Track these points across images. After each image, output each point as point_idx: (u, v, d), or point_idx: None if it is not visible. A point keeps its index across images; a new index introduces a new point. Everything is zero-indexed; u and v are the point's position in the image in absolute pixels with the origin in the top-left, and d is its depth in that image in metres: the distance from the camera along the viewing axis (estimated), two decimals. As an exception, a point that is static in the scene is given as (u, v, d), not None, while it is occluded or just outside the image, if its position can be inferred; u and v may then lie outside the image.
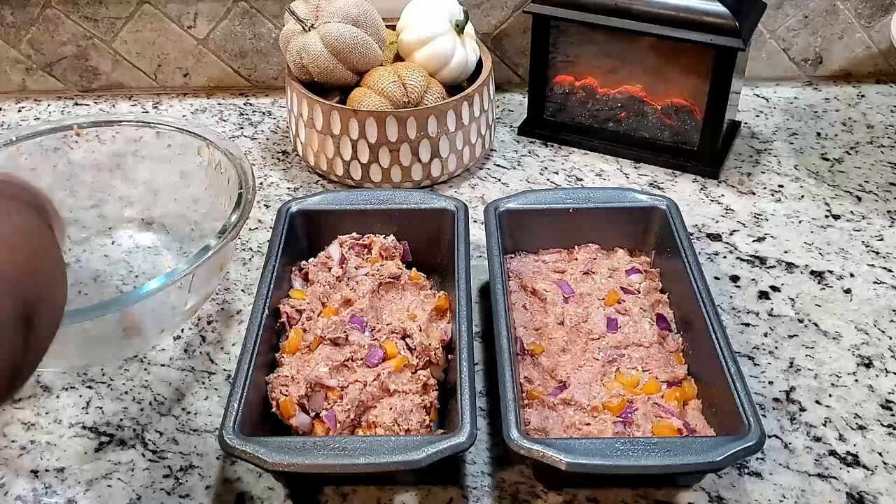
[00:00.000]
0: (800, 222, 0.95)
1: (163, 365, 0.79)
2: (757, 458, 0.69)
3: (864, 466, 0.69)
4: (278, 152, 1.07)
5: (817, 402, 0.75)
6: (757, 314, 0.83)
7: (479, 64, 1.03)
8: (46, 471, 0.70)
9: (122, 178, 0.91)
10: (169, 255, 0.90)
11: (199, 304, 0.78)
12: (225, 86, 1.20)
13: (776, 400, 0.75)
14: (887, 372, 0.77)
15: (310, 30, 0.96)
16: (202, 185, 0.88)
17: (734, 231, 0.93)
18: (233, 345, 0.81)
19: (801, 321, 0.82)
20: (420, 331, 0.73)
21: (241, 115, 1.15)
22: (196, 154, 0.87)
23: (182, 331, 0.82)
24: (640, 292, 0.80)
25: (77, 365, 0.78)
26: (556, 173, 1.03)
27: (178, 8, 1.13)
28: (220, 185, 0.84)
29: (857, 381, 0.76)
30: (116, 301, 0.68)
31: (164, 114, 1.15)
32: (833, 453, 0.70)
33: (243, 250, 0.92)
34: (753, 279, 0.87)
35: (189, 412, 0.74)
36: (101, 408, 0.75)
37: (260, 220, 0.96)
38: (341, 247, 0.82)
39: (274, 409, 0.68)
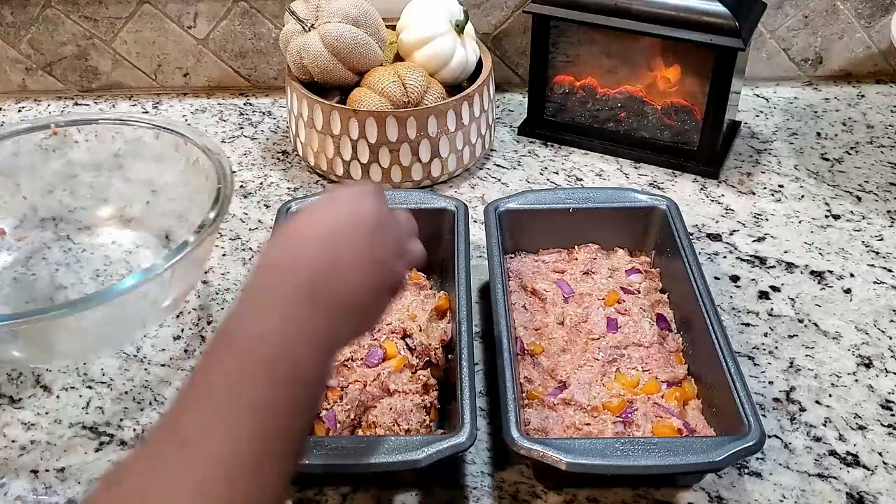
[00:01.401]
0: (800, 222, 0.95)
1: (163, 365, 0.79)
2: (757, 458, 0.69)
3: (864, 466, 0.69)
4: (278, 152, 1.07)
5: (817, 402, 0.75)
6: (757, 314, 0.83)
7: (479, 64, 1.03)
8: (46, 471, 0.70)
9: (99, 176, 0.92)
10: (149, 252, 0.90)
11: (181, 299, 0.79)
12: (225, 86, 1.20)
13: (776, 400, 0.75)
14: (887, 372, 0.77)
15: (310, 30, 0.96)
16: (180, 181, 0.88)
17: (734, 231, 0.93)
18: (233, 345, 0.80)
19: (801, 321, 0.82)
20: (420, 331, 0.73)
21: (241, 115, 1.15)
22: (174, 150, 0.88)
23: (182, 331, 0.82)
24: (640, 292, 0.80)
25: (62, 361, 0.79)
26: (556, 173, 1.03)
27: (178, 8, 1.13)
28: (199, 182, 0.84)
29: (857, 381, 0.76)
30: (94, 297, 0.69)
31: (164, 114, 1.15)
32: (833, 453, 0.70)
33: (243, 250, 0.92)
34: (753, 279, 0.87)
35: (189, 412, 0.74)
36: (101, 408, 0.75)
37: (260, 220, 0.96)
38: (341, 247, 0.82)
39: (274, 409, 0.68)
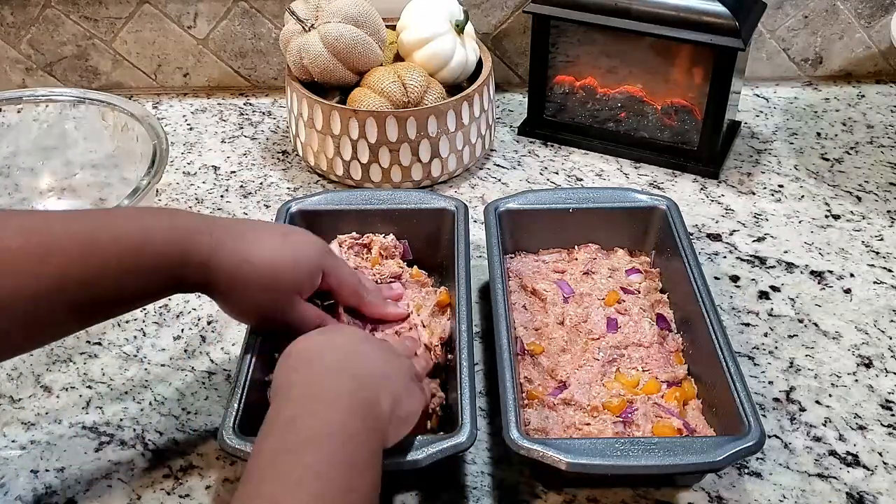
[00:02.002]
0: (800, 222, 0.95)
1: (163, 365, 0.79)
2: (757, 458, 0.69)
3: (864, 466, 0.69)
4: (278, 152, 1.07)
5: (817, 402, 0.75)
6: (757, 314, 0.83)
7: (479, 64, 1.03)
8: (46, 471, 0.70)
9: (33, 151, 0.96)
10: None
11: None
12: (225, 86, 1.20)
13: (776, 400, 0.75)
14: (887, 372, 0.77)
15: (310, 30, 0.96)
16: (112, 148, 0.93)
17: (734, 231, 0.93)
18: (233, 345, 0.81)
19: (801, 321, 0.82)
20: (423, 326, 0.73)
21: (241, 115, 1.15)
22: (101, 119, 0.92)
23: (182, 331, 0.82)
24: (640, 292, 0.80)
25: None
26: (556, 173, 1.03)
27: (178, 8, 1.13)
28: (130, 145, 0.89)
29: (857, 381, 0.76)
30: None
31: (164, 114, 1.15)
32: (833, 453, 0.70)
33: (243, 250, 0.92)
34: (753, 279, 0.87)
35: (189, 412, 0.74)
36: (101, 408, 0.75)
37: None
38: (340, 246, 0.82)
39: (274, 409, 0.68)
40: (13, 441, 0.72)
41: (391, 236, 0.83)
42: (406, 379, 0.61)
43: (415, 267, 0.81)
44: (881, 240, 0.92)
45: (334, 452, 0.50)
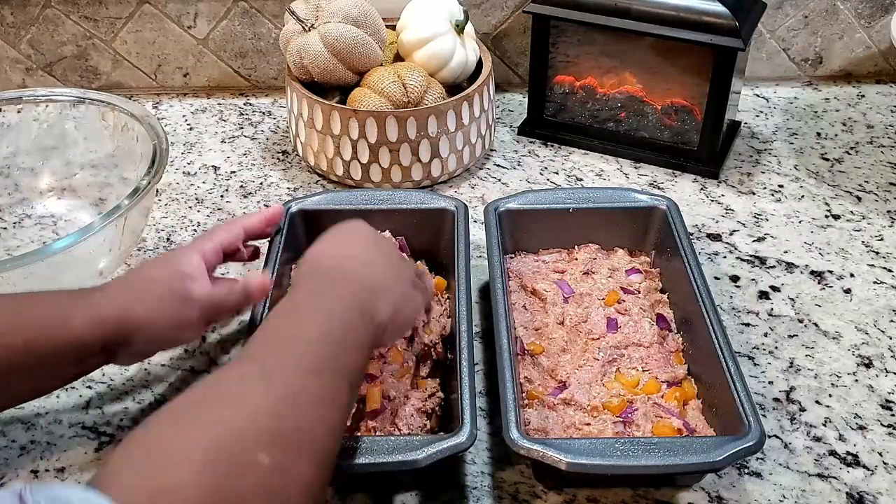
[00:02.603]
0: (800, 222, 0.95)
1: (163, 365, 0.79)
2: (757, 458, 0.69)
3: (864, 466, 0.69)
4: (278, 152, 1.07)
5: (817, 402, 0.75)
6: (757, 314, 0.83)
7: (479, 64, 1.03)
8: (46, 471, 0.70)
9: (32, 151, 0.96)
10: (88, 218, 0.93)
11: (124, 253, 0.85)
12: (225, 86, 1.20)
13: (776, 400, 0.75)
14: (887, 372, 0.77)
15: (310, 30, 0.96)
16: (112, 147, 0.93)
17: (734, 231, 0.93)
18: (232, 345, 0.81)
19: (801, 321, 0.82)
20: (424, 325, 0.73)
21: (241, 115, 1.15)
22: (101, 119, 0.93)
23: (182, 331, 0.82)
24: (640, 292, 0.80)
25: None
26: (556, 173, 1.03)
27: (178, 8, 1.13)
28: (130, 145, 0.90)
29: (857, 381, 0.76)
30: (29, 255, 0.73)
31: (164, 114, 1.15)
32: (833, 453, 0.70)
33: (243, 250, 0.92)
34: (753, 279, 0.87)
35: (189, 412, 0.74)
36: (100, 408, 0.75)
37: (260, 220, 0.96)
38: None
39: (274, 409, 0.68)
40: (13, 441, 0.72)
41: (387, 233, 0.83)
42: (407, 287, 0.66)
43: (419, 262, 0.82)
44: (881, 240, 0.92)
45: (328, 329, 0.57)
